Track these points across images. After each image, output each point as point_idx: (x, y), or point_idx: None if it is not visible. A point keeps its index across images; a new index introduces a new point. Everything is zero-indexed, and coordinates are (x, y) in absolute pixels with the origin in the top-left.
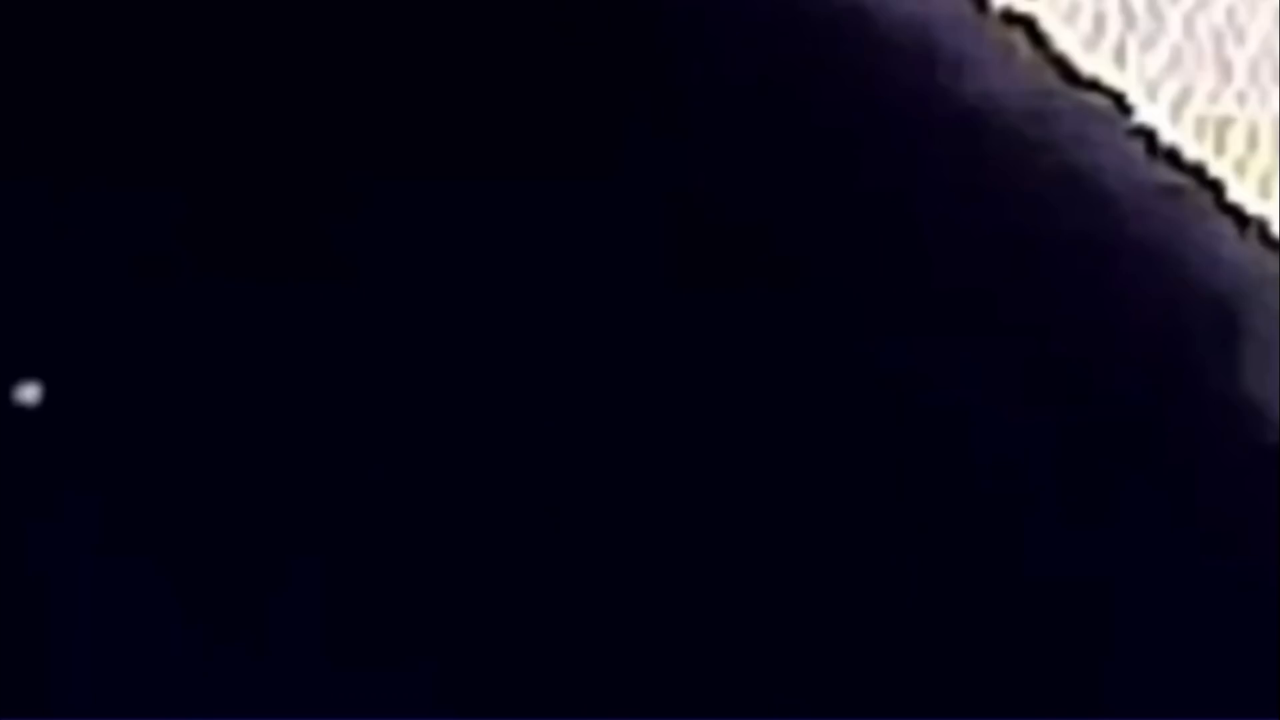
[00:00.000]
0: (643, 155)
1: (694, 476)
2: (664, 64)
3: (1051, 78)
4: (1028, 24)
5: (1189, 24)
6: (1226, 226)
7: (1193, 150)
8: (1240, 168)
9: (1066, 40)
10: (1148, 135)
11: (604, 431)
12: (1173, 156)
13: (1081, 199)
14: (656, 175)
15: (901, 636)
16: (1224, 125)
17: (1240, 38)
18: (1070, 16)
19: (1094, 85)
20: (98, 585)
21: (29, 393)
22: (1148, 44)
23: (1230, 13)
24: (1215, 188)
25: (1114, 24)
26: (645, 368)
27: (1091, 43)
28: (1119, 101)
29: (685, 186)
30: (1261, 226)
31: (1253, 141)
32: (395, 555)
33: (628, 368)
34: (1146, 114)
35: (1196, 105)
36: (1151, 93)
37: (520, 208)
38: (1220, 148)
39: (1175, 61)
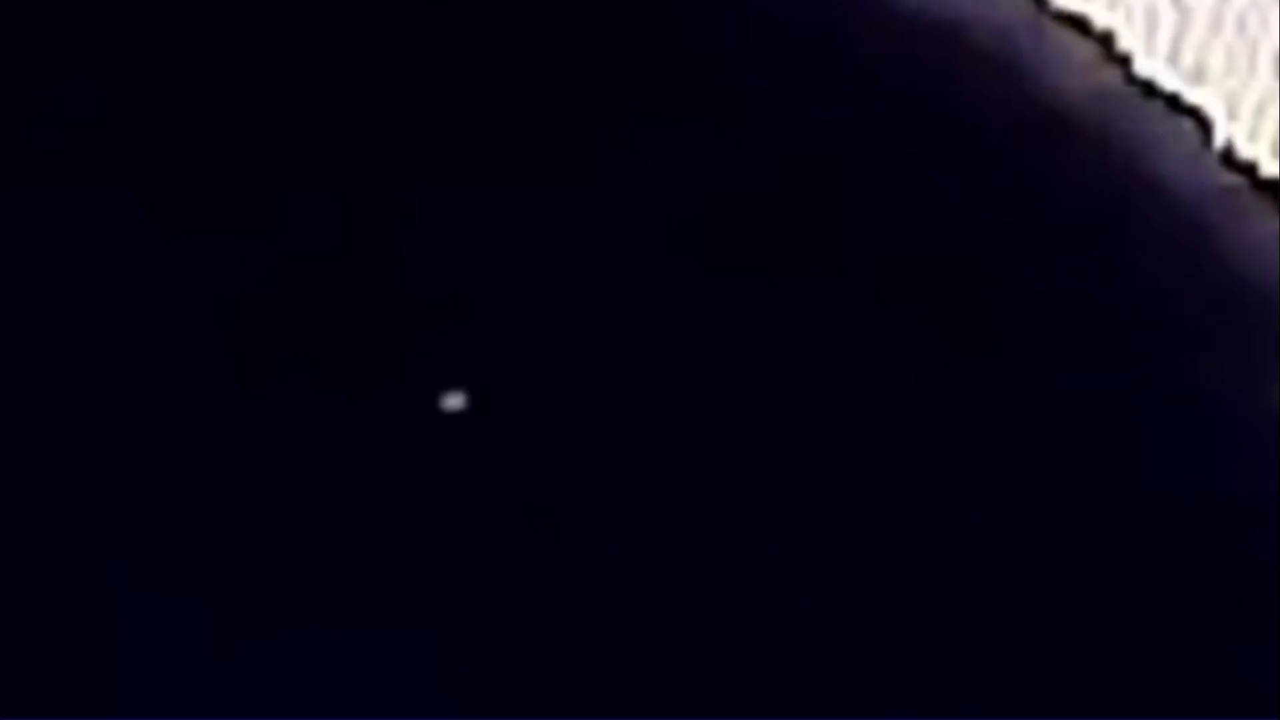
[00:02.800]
0: (714, 164)
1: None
2: (729, 74)
3: (1114, 78)
4: (1091, 26)
5: (1241, 20)
6: None
7: (1253, 150)
8: None
9: (1129, 40)
10: (1208, 134)
11: (648, 424)
12: (1232, 156)
13: (1143, 199)
14: (725, 182)
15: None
16: None
17: None
18: (1130, 16)
19: (1155, 85)
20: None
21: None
22: (1207, 42)
23: None
24: (1275, 189)
25: (1171, 22)
26: (692, 370)
27: (1150, 42)
28: (1183, 104)
29: (756, 190)
30: None
31: None
32: (432, 548)
33: (670, 366)
34: (1208, 113)
35: (1259, 104)
36: (1214, 92)
37: (564, 212)
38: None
39: (1233, 59)
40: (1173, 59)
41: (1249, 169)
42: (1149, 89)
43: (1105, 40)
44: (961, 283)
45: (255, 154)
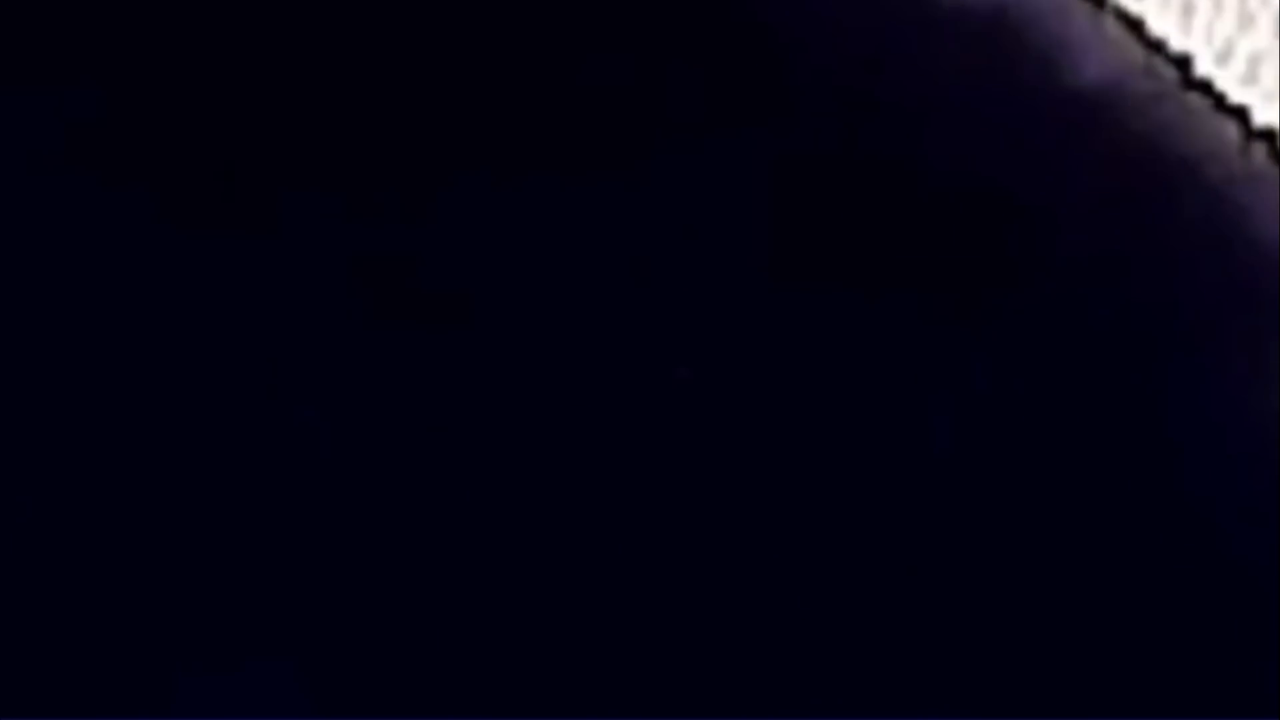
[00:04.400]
0: (761, 154)
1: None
2: (778, 62)
3: (1146, 61)
4: (1126, 11)
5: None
6: None
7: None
8: None
9: (1160, 24)
10: (1241, 116)
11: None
12: (1271, 138)
13: (1173, 180)
14: (778, 160)
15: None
16: None
17: None
18: (1165, 2)
19: (1189, 68)
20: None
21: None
22: (1246, 24)
23: None
24: None
25: (1206, 7)
26: (737, 363)
27: (1185, 25)
28: (1215, 88)
29: (798, 180)
30: None
31: None
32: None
33: (718, 361)
34: (1240, 97)
35: None
36: (1250, 76)
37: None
38: None
39: (1268, 42)
40: (1207, 43)
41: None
42: (1183, 70)
43: (1138, 25)
44: (994, 256)
45: (320, 147)
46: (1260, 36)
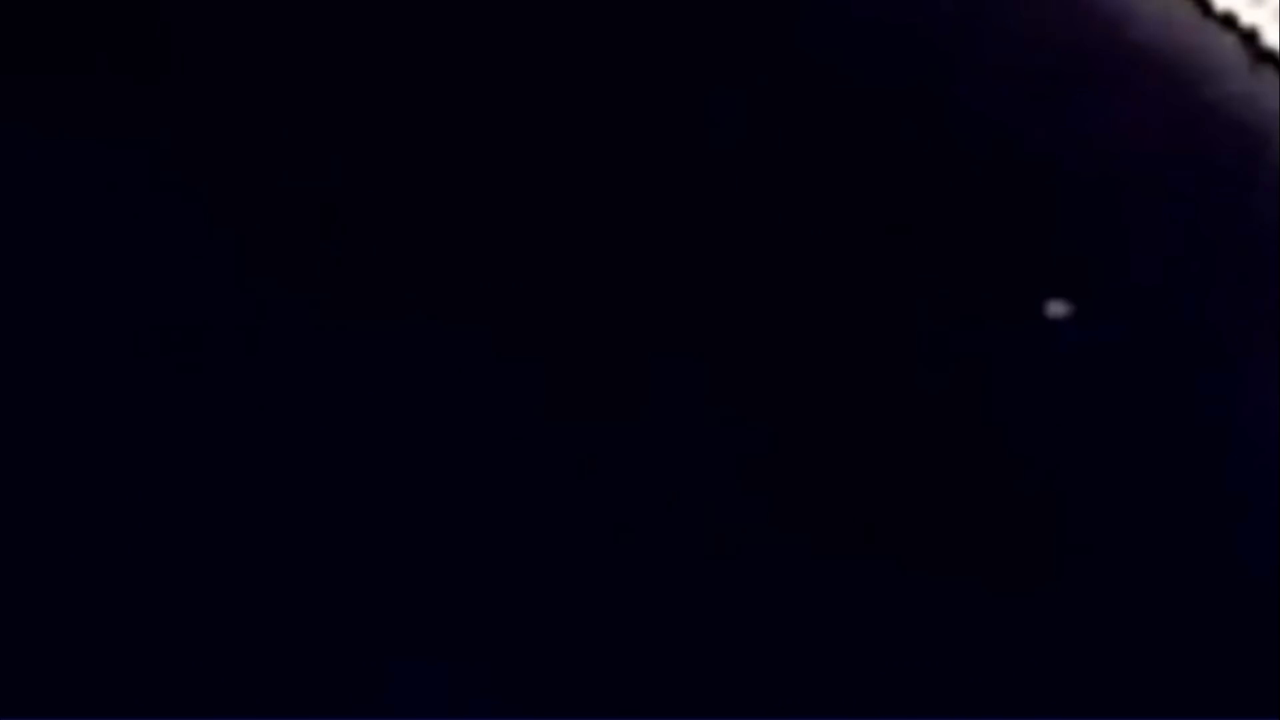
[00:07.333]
0: (825, 114)
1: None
2: (836, 31)
3: (1204, 24)
4: None
5: None
6: None
7: None
8: None
9: None
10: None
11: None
12: None
13: (1230, 142)
14: (835, 134)
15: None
16: None
17: None
18: None
19: (1241, 27)
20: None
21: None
22: None
23: None
24: None
25: None
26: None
27: None
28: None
29: (858, 144)
30: None
31: None
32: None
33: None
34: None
35: None
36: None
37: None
38: None
39: None
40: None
41: None
42: (1239, 31)
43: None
44: (1048, 219)
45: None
46: None
